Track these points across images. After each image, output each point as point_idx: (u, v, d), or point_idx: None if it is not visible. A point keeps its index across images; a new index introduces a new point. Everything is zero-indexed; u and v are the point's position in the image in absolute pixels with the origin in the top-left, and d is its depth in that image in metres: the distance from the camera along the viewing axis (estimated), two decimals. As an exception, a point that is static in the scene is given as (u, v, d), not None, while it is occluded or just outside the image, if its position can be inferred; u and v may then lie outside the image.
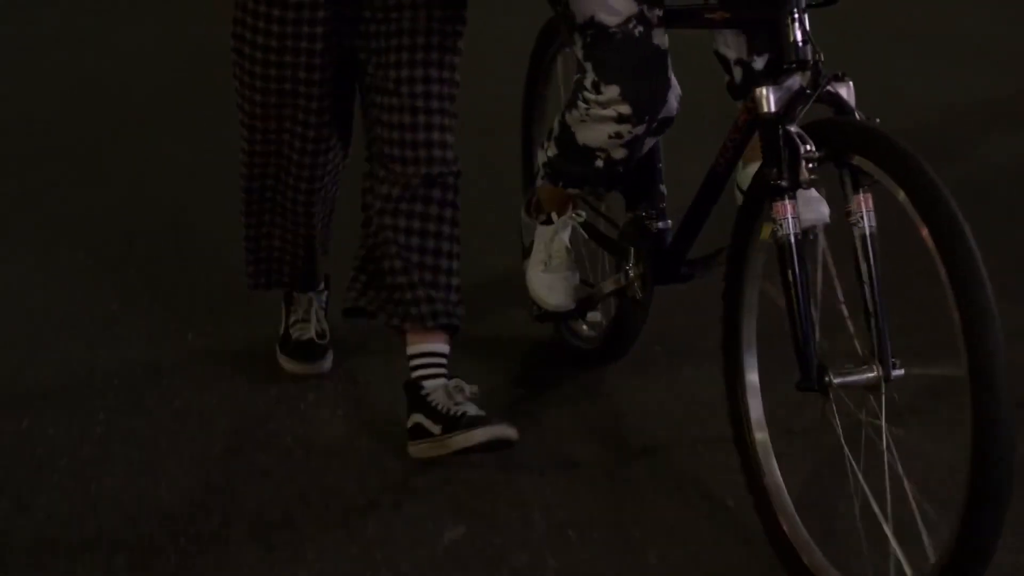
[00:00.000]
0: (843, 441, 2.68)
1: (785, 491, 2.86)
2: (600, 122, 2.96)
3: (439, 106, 3.23)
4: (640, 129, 2.95)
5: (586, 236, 3.55)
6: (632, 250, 3.30)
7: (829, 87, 2.65)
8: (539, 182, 3.42)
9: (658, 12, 2.91)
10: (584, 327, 3.72)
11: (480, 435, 3.05)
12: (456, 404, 3.14)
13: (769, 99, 2.69)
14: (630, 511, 3.13)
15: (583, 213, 3.48)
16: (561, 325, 3.76)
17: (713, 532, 3.04)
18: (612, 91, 2.90)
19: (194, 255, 4.56)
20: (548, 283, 3.43)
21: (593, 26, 2.91)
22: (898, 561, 2.57)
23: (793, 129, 2.60)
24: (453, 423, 3.08)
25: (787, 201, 2.64)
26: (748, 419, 2.90)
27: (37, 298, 4.31)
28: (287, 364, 3.71)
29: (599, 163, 3.04)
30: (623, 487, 3.26)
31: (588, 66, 2.94)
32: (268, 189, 3.48)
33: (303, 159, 3.35)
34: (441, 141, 3.22)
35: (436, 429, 3.12)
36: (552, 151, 3.15)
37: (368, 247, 3.39)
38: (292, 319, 3.72)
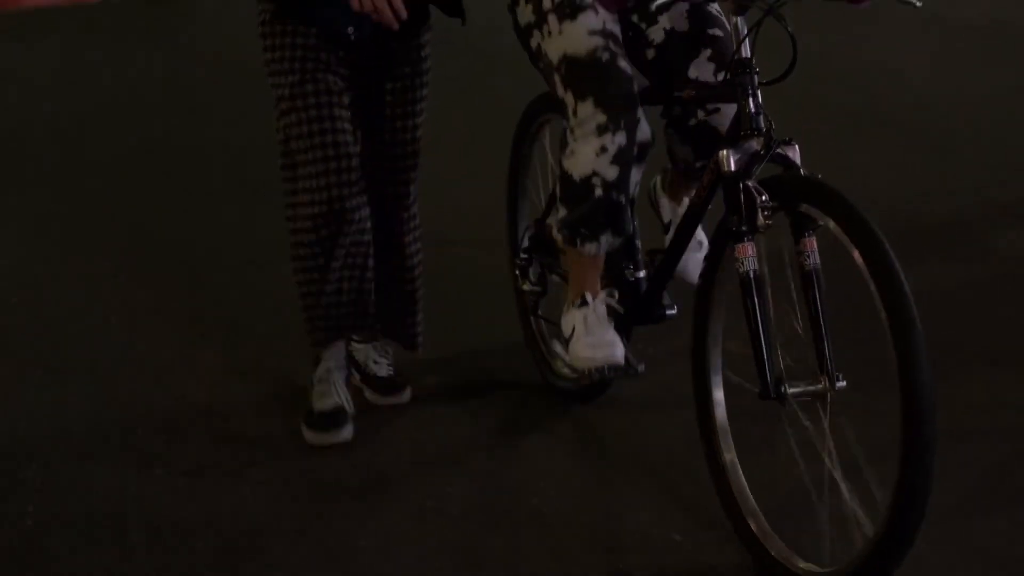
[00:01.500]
0: (793, 444, 3.15)
1: (746, 487, 3.31)
2: (585, 141, 3.32)
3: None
4: (620, 138, 3.29)
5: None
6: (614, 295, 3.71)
7: (779, 150, 3.10)
8: (563, 262, 3.73)
9: (623, 51, 3.37)
10: (566, 369, 4.04)
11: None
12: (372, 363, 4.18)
13: (730, 160, 3.12)
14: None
15: (616, 293, 3.67)
16: (545, 371, 4.15)
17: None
18: (587, 105, 3.29)
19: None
20: (591, 344, 3.55)
21: (566, 60, 3.35)
22: (833, 540, 3.07)
23: (751, 183, 3.06)
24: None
25: (748, 243, 3.08)
26: (716, 431, 3.37)
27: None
28: (308, 435, 4.03)
29: (599, 191, 3.33)
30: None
31: (567, 96, 3.36)
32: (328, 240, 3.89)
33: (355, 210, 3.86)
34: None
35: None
36: (561, 212, 3.47)
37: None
38: (316, 390, 4.08)
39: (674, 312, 3.71)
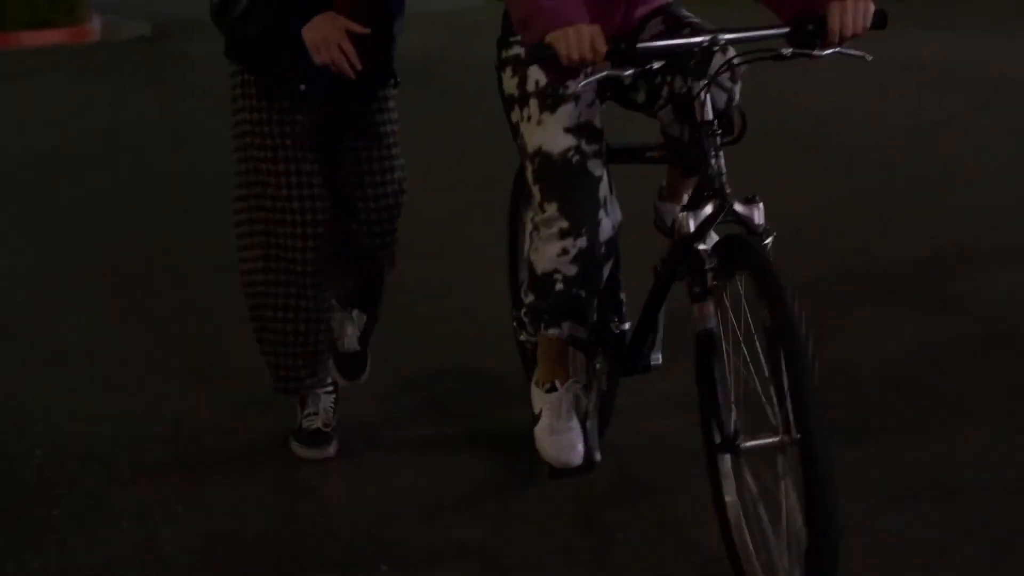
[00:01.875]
0: (753, 494, 3.16)
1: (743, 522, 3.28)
2: (548, 242, 3.34)
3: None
4: (582, 242, 3.32)
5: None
6: (599, 349, 3.72)
7: (740, 209, 3.10)
8: (536, 346, 3.74)
9: (595, 147, 3.37)
10: None
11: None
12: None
13: (688, 222, 3.14)
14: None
15: (580, 381, 3.75)
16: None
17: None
18: (552, 208, 3.32)
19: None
20: (555, 443, 3.65)
21: (540, 154, 3.34)
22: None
23: (701, 247, 3.10)
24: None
25: (702, 304, 3.10)
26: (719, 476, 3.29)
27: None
28: (299, 450, 4.11)
29: (559, 286, 3.37)
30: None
31: (536, 189, 3.38)
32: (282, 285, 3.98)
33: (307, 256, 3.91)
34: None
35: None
36: (529, 297, 3.52)
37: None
38: (306, 410, 4.15)
39: (659, 362, 3.74)
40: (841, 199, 6.94)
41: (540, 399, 3.69)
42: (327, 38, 3.56)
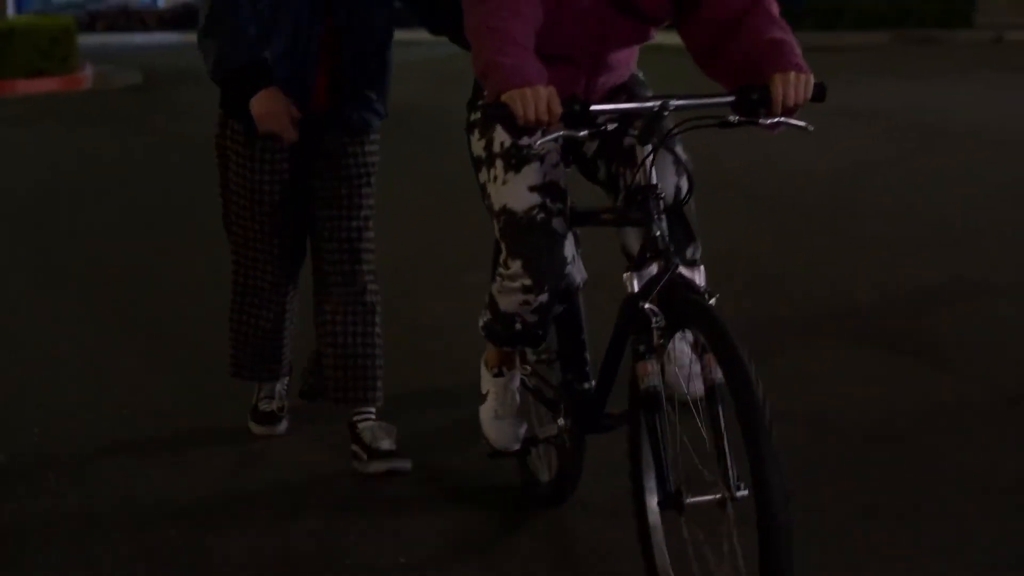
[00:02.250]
0: (691, 552, 3.15)
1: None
2: (511, 293, 3.42)
3: (368, 247, 4.43)
4: (543, 298, 3.40)
5: (529, 393, 3.98)
6: (563, 406, 3.78)
7: (682, 271, 3.15)
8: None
9: (559, 206, 3.42)
10: (537, 473, 4.09)
11: (384, 465, 4.21)
12: (377, 440, 4.25)
13: (633, 282, 3.18)
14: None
15: (528, 367, 3.89)
16: (521, 472, 4.19)
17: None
18: (516, 265, 3.37)
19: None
20: (498, 427, 3.81)
21: (505, 212, 3.40)
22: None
23: (647, 306, 3.11)
24: (373, 453, 4.23)
25: (648, 361, 3.10)
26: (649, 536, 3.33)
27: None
28: (254, 428, 4.64)
29: (518, 326, 3.49)
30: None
31: (502, 245, 3.44)
32: (255, 294, 4.51)
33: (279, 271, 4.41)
34: (370, 271, 4.33)
35: (363, 455, 4.24)
36: (486, 317, 3.61)
37: (319, 347, 4.50)
38: (261, 395, 4.66)
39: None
40: (774, 239, 7.29)
41: (488, 381, 3.81)
42: (271, 111, 3.97)
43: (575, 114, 3.02)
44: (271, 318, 4.47)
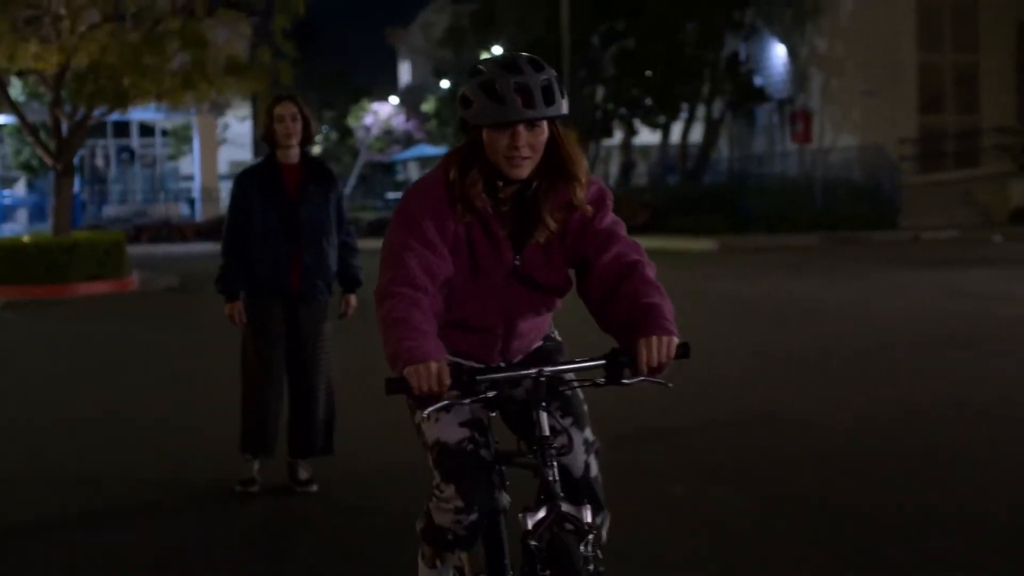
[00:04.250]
0: None
1: None
2: (445, 512, 3.62)
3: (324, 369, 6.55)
4: (474, 517, 3.61)
5: None
6: None
7: (569, 510, 3.37)
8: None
9: (485, 439, 3.65)
10: None
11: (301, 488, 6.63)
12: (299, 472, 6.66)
13: (527, 521, 3.37)
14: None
15: (462, 558, 3.93)
16: None
17: None
18: (450, 489, 3.59)
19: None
20: None
21: (439, 444, 3.62)
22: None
23: (533, 544, 3.36)
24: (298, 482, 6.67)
25: None
26: None
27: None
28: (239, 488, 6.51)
29: (450, 537, 3.67)
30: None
31: (436, 472, 3.65)
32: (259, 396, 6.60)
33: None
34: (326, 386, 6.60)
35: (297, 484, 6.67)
36: (422, 523, 3.80)
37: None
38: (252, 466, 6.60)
39: None
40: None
41: (423, 571, 3.98)
42: (228, 313, 6.44)
43: (463, 383, 3.34)
44: (264, 413, 6.53)
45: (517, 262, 3.59)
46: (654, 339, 3.29)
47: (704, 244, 26.99)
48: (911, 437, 7.49)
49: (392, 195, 51.35)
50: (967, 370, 10.00)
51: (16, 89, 21.52)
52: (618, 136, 41.34)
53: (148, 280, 21.49)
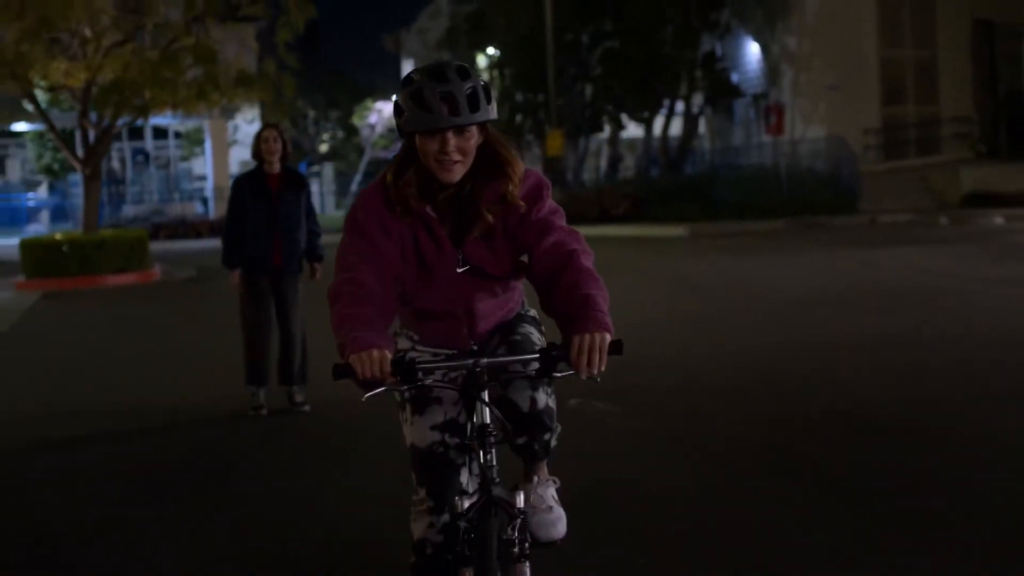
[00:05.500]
0: None
1: None
2: (420, 517, 3.86)
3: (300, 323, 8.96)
4: (446, 517, 3.80)
5: None
6: None
7: (502, 495, 3.60)
8: None
9: (457, 439, 3.80)
10: None
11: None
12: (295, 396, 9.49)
13: (462, 503, 3.64)
14: None
15: None
16: None
17: None
18: (423, 492, 3.85)
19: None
20: None
21: (412, 448, 3.83)
22: None
23: (463, 524, 3.60)
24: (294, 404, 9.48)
25: (467, 569, 3.60)
26: None
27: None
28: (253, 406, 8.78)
29: (429, 550, 3.84)
30: None
31: (412, 474, 3.88)
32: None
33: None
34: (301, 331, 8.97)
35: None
36: (412, 559, 3.94)
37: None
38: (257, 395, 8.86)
39: None
40: None
41: None
42: (230, 281, 8.73)
43: (403, 369, 3.45)
44: (258, 353, 8.75)
45: (460, 257, 3.73)
46: (587, 337, 3.38)
47: (676, 231, 29.03)
48: (760, 366, 9.74)
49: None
50: (820, 320, 12.36)
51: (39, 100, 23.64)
52: (607, 131, 43.43)
53: (168, 272, 23.32)
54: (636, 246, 25.00)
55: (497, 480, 3.58)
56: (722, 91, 39.75)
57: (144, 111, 22.78)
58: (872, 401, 8.31)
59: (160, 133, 51.14)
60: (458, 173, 3.62)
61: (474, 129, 3.61)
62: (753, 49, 40.48)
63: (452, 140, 3.56)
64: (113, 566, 5.54)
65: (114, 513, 6.41)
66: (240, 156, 47.82)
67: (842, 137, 34.51)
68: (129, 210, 47.32)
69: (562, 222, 3.73)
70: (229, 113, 38.19)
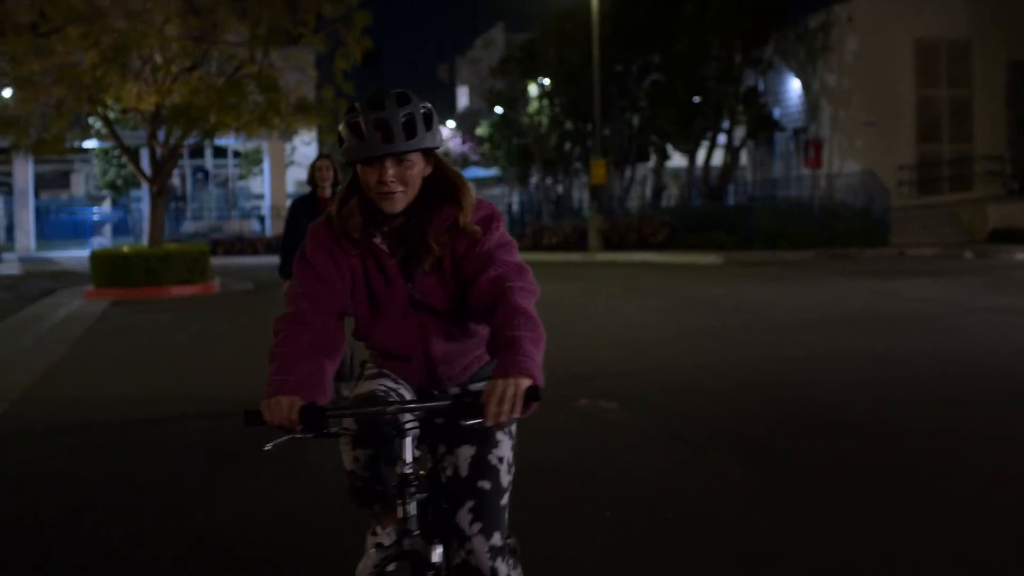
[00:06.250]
0: None
1: None
2: (346, 450, 3.73)
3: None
4: (368, 452, 3.66)
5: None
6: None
7: (416, 549, 3.42)
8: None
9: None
10: None
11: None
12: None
13: (372, 551, 3.71)
14: None
15: (392, 532, 3.77)
16: None
17: None
18: (350, 421, 3.64)
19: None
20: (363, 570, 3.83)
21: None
22: None
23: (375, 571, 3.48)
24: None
25: None
26: None
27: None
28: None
29: (359, 483, 3.73)
30: None
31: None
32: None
33: None
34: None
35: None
36: (346, 482, 3.79)
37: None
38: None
39: None
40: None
41: (369, 541, 3.87)
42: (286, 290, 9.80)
43: (311, 417, 3.28)
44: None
45: (411, 290, 3.57)
46: (499, 384, 3.11)
47: (711, 258, 30.27)
48: (752, 374, 10.97)
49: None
50: (815, 338, 13.50)
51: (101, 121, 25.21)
52: (653, 160, 44.69)
53: (227, 285, 24.66)
54: (670, 272, 26.26)
55: (415, 532, 3.44)
56: (762, 125, 40.95)
57: (209, 133, 24.31)
58: (841, 404, 9.54)
59: (220, 152, 52.63)
60: (400, 203, 3.50)
61: (415, 157, 3.48)
62: (795, 85, 41.65)
63: (390, 169, 3.44)
64: (190, 506, 6.84)
65: (189, 473, 7.73)
66: (296, 175, 49.24)
67: (874, 172, 35.58)
68: (189, 226, 48.88)
69: (509, 256, 3.55)
70: (287, 135, 39.70)
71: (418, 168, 3.50)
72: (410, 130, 3.43)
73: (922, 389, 10.22)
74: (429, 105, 3.54)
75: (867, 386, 10.41)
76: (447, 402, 3.33)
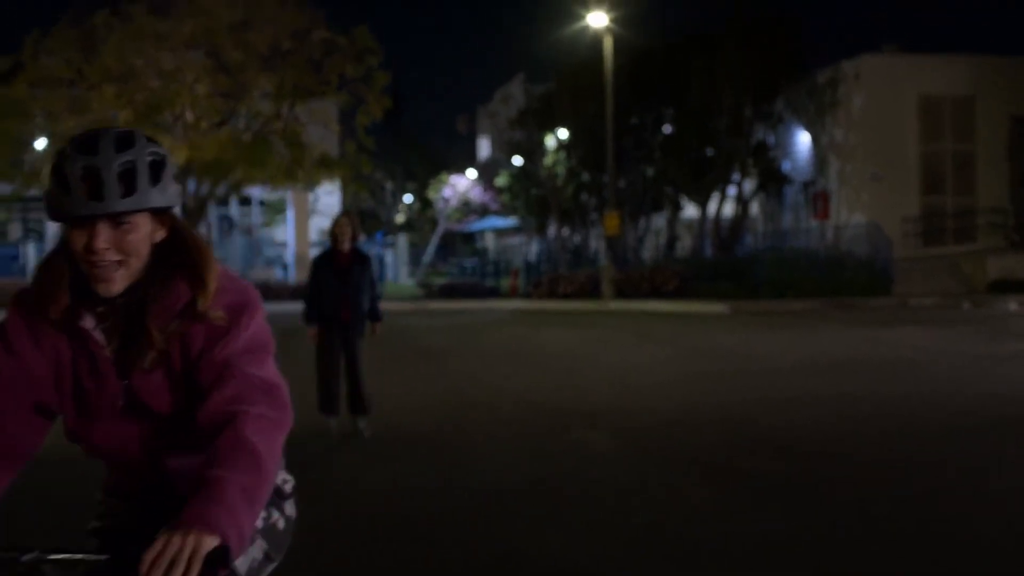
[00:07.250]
0: None
1: None
2: None
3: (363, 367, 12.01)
4: None
5: None
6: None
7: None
8: None
9: None
10: None
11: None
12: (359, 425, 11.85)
13: None
14: None
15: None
16: None
17: None
18: None
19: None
20: None
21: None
22: None
23: None
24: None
25: None
26: None
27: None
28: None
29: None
30: None
31: None
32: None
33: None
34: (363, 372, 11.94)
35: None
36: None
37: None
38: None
39: None
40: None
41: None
42: (311, 334, 11.19)
43: None
44: (330, 389, 11.22)
45: (126, 387, 2.76)
46: (167, 540, 2.28)
47: (718, 307, 31.23)
48: (734, 411, 11.96)
49: (469, 262, 55.56)
50: (802, 382, 14.47)
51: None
52: (667, 211, 45.74)
53: None
54: (679, 320, 27.22)
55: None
56: (772, 178, 42.02)
57: (237, 186, 25.57)
58: (818, 434, 10.54)
59: (244, 200, 53.45)
60: (117, 281, 2.68)
61: (140, 219, 2.65)
62: (804, 138, 42.74)
63: (103, 233, 2.62)
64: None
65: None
66: (319, 224, 50.09)
67: (878, 224, 36.60)
68: (214, 273, 49.29)
69: (258, 369, 2.75)
70: (311, 186, 40.89)
71: (143, 232, 2.69)
72: (129, 183, 2.61)
73: (894, 421, 11.30)
74: (162, 151, 2.74)
75: (840, 420, 11.46)
76: (106, 557, 2.52)
